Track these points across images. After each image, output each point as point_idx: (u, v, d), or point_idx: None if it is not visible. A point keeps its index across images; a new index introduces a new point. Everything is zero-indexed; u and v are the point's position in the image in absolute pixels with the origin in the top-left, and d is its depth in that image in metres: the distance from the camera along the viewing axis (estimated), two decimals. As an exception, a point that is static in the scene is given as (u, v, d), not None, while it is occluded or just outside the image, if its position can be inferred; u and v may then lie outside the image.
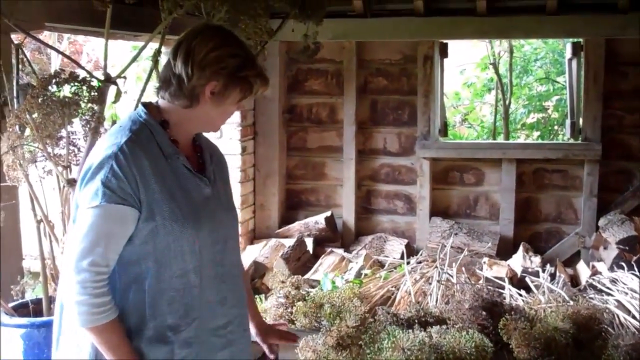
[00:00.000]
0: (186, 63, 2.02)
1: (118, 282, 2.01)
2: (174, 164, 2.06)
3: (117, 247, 1.96)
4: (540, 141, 8.35)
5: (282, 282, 4.01)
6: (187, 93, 2.04)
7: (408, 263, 4.44)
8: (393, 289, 4.10)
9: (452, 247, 4.49)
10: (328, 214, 5.46)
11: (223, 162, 2.35)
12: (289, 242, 5.03)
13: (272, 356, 2.54)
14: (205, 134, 2.34)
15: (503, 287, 4.12)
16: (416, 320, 3.32)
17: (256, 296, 3.81)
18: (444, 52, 5.47)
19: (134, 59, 3.45)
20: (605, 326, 3.42)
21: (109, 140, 2.01)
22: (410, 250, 5.23)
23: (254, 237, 5.54)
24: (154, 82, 3.40)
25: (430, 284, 4.05)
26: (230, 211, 2.27)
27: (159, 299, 2.02)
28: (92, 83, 3.11)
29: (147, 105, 2.12)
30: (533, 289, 4.09)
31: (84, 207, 1.94)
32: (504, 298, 3.87)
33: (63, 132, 3.12)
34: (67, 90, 3.11)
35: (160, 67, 3.36)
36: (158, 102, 2.12)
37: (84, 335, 2.00)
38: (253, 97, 2.16)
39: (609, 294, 4.04)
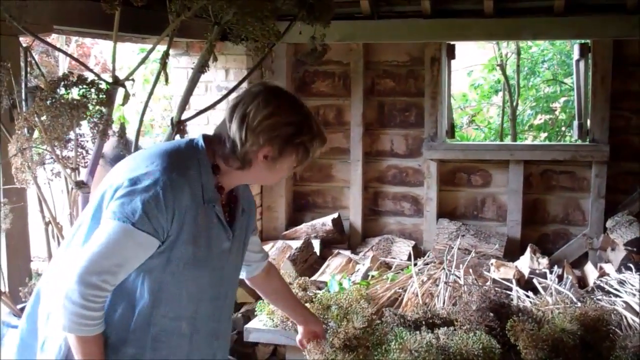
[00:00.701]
0: (240, 128, 1.99)
1: (111, 294, 1.98)
2: (209, 210, 2.02)
3: (130, 270, 1.95)
4: (547, 142, 8.34)
5: (290, 283, 4.01)
6: (240, 157, 2.02)
7: (415, 265, 4.44)
8: (400, 290, 4.10)
9: (459, 248, 4.49)
10: (335, 215, 5.46)
11: (252, 213, 2.33)
12: (296, 244, 5.03)
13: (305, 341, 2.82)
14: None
15: (510, 289, 4.11)
16: (423, 322, 3.32)
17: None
18: (451, 53, 5.46)
19: (142, 62, 3.47)
20: (613, 327, 3.41)
21: (163, 161, 1.98)
22: (417, 252, 5.23)
23: (261, 239, 5.54)
24: (161, 84, 3.43)
25: (437, 285, 4.05)
26: (238, 266, 2.27)
27: (146, 329, 2.00)
28: (100, 85, 3.12)
29: (207, 140, 2.08)
30: (540, 290, 4.09)
31: (115, 217, 1.90)
32: (512, 299, 3.86)
33: (71, 135, 3.13)
34: (75, 93, 3.12)
35: (169, 69, 3.38)
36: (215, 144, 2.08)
37: (57, 336, 2.00)
38: (312, 160, 2.12)
39: (616, 296, 4.03)
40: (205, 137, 2.09)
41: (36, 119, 2.99)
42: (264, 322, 3.80)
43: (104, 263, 1.89)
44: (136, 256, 1.92)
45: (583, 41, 5.31)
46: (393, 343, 2.94)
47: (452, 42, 5.41)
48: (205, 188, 2.01)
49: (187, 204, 1.95)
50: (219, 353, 2.21)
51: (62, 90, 3.05)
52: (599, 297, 4.03)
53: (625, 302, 3.88)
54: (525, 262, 4.71)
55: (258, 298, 4.00)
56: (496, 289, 3.81)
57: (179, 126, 3.52)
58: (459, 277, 4.07)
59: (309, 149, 2.06)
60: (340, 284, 4.22)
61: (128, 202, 1.89)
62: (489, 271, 4.46)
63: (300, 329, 2.82)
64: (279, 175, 2.13)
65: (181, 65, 5.06)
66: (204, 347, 2.13)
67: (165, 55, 3.35)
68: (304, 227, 5.47)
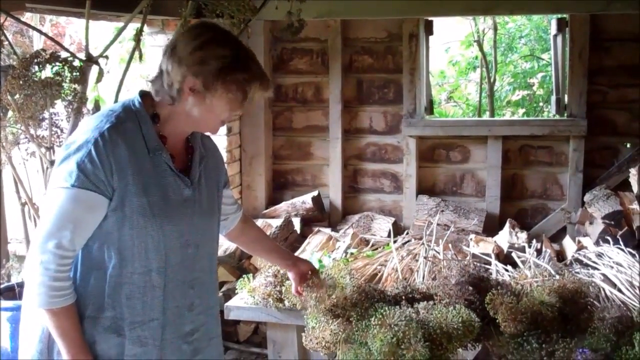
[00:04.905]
0: (169, 58, 2.04)
1: (81, 265, 2.02)
2: (156, 159, 2.05)
3: (85, 233, 1.96)
4: (525, 118, 8.36)
5: (270, 261, 4.00)
6: (168, 88, 2.04)
7: (395, 241, 4.44)
8: (380, 266, 4.10)
9: (438, 224, 4.49)
10: (315, 193, 5.46)
11: (217, 167, 2.36)
12: (277, 223, 5.03)
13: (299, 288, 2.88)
14: (208, 136, 2.36)
15: (489, 263, 4.13)
16: (403, 297, 3.32)
17: (244, 276, 3.81)
18: (429, 29, 5.45)
19: (115, 38, 3.43)
20: (591, 299, 3.43)
21: (94, 123, 2.00)
22: (397, 229, 5.24)
23: (241, 217, 5.53)
24: (136, 63, 3.39)
25: (417, 261, 4.06)
26: (210, 217, 2.27)
27: (119, 290, 2.02)
28: (73, 63, 3.09)
29: (143, 95, 2.11)
30: (519, 264, 4.11)
31: (56, 186, 1.94)
32: (491, 273, 3.88)
33: (45, 114, 3.11)
34: (49, 71, 3.09)
35: (143, 47, 3.35)
36: (154, 95, 2.12)
37: (39, 315, 2.02)
38: (251, 101, 2.10)
39: (594, 268, 4.06)
40: (144, 92, 2.12)
41: (9, 98, 2.96)
42: (245, 300, 3.79)
43: (57, 230, 1.92)
44: (87, 217, 1.95)
45: (560, 16, 5.32)
46: (373, 318, 2.94)
47: (429, 18, 5.39)
48: (147, 138, 2.03)
49: (125, 156, 1.97)
50: (198, 301, 2.22)
51: (35, 69, 3.01)
52: (577, 270, 4.05)
53: (603, 275, 3.91)
54: (504, 237, 4.73)
55: (239, 277, 3.99)
56: (475, 263, 3.83)
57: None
58: (438, 253, 4.08)
59: (246, 89, 2.05)
60: (320, 261, 4.21)
61: (66, 166, 1.93)
62: (468, 246, 4.48)
63: (291, 275, 2.88)
64: (212, 114, 2.08)
65: (157, 43, 5.00)
66: (179, 296, 2.15)
67: (139, 32, 3.31)
68: (284, 206, 5.46)
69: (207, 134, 2.34)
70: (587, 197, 5.03)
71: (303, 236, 5.06)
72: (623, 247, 4.26)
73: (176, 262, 2.11)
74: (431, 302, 3.18)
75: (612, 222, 4.60)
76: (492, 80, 8.52)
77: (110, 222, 1.98)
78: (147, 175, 2.01)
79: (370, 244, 4.70)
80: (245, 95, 2.06)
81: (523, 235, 4.73)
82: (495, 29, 8.55)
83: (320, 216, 5.46)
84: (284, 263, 2.89)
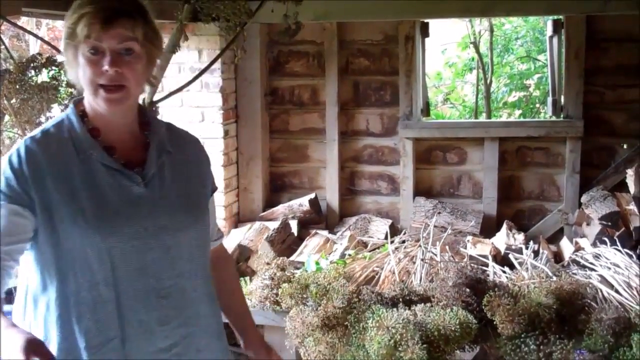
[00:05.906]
0: None
1: (28, 292, 1.92)
2: (88, 160, 1.91)
3: (15, 240, 1.85)
4: (522, 119, 8.37)
5: (268, 263, 4.01)
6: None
7: (392, 243, 4.44)
8: (377, 268, 4.10)
9: (435, 226, 4.49)
10: (312, 196, 5.45)
11: (198, 164, 2.17)
12: (274, 225, 5.02)
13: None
14: (183, 131, 2.21)
15: (487, 265, 4.13)
16: (400, 299, 3.33)
17: (241, 278, 3.81)
18: (425, 31, 5.45)
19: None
20: (589, 301, 3.45)
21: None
22: (395, 231, 5.23)
23: (238, 220, 5.53)
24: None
25: (414, 263, 4.06)
26: (185, 215, 2.02)
27: (68, 314, 1.86)
28: (70, 67, 3.08)
29: (78, 101, 2.01)
30: (517, 265, 4.11)
31: None
32: (488, 275, 3.88)
33: (42, 118, 3.10)
34: (45, 76, 3.09)
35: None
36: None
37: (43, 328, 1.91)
38: (98, 28, 1.85)
39: (592, 269, 4.07)
40: (78, 99, 2.02)
41: (6, 102, 2.96)
42: (242, 303, 3.78)
43: None
44: (10, 226, 1.82)
45: (556, 17, 5.32)
46: (370, 320, 2.95)
47: (425, 20, 5.39)
48: (76, 142, 1.91)
49: (44, 165, 1.86)
50: (173, 313, 1.96)
51: (31, 73, 3.01)
52: (575, 271, 4.06)
53: (601, 276, 3.92)
54: (501, 239, 4.73)
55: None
56: (472, 265, 3.83)
57: (150, 108, 3.49)
58: (436, 254, 4.09)
59: (73, 15, 1.88)
60: (317, 263, 4.22)
61: None
62: (465, 248, 4.48)
63: (245, 350, 2.51)
64: (82, 66, 1.89)
65: (153, 46, 4.99)
66: (142, 308, 1.92)
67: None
68: (281, 208, 5.45)
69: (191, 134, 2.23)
70: (584, 198, 5.03)
71: (300, 238, 5.06)
72: (620, 248, 4.27)
73: (132, 269, 1.89)
74: (428, 304, 3.19)
75: (609, 223, 4.60)
76: (488, 81, 8.55)
77: (43, 240, 1.86)
78: (76, 180, 1.87)
79: (369, 245, 4.70)
80: (73, 19, 1.87)
81: (520, 237, 4.73)
82: (492, 31, 8.57)
83: (318, 218, 5.45)
84: (242, 339, 2.50)
